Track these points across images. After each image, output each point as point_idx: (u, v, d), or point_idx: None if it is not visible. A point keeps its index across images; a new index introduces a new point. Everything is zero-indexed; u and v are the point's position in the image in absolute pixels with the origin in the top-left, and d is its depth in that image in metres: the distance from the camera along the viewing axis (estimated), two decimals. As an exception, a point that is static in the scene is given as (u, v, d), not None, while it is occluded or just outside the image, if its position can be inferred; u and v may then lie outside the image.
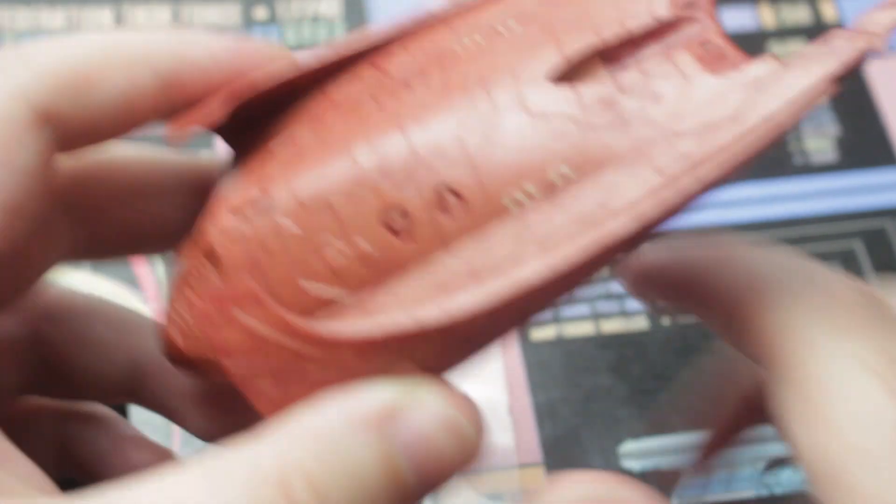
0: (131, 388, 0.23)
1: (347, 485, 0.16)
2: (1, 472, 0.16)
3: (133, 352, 0.23)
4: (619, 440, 0.35)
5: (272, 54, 0.21)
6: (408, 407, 0.17)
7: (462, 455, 0.18)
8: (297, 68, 0.19)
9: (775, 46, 0.46)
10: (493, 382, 0.36)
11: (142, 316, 0.24)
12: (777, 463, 0.35)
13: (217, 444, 0.18)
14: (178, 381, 0.23)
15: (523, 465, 0.34)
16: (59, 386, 0.24)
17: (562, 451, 0.35)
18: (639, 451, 0.35)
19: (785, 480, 0.35)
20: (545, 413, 0.36)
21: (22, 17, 0.45)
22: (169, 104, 0.20)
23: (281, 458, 0.16)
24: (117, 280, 0.38)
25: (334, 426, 0.16)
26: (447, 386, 0.18)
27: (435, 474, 0.17)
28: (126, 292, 0.38)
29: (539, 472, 0.34)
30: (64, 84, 0.18)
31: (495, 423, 0.35)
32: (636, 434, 0.35)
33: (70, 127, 0.19)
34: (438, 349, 0.17)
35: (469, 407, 0.19)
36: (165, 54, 0.20)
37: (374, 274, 0.17)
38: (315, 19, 0.46)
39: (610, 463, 0.34)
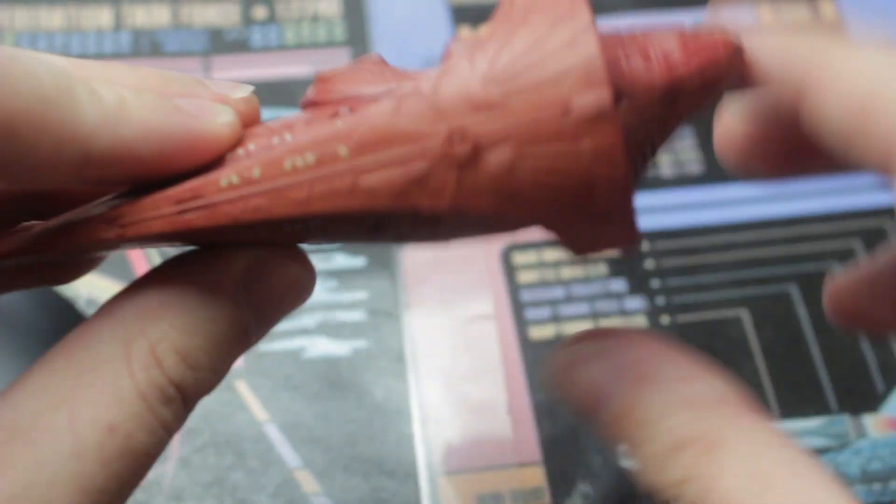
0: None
1: (208, 345, 0.19)
2: None
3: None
4: (618, 439, 0.35)
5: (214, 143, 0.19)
6: (255, 265, 0.20)
7: (296, 295, 0.21)
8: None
9: (774, 46, 0.46)
10: (492, 382, 0.36)
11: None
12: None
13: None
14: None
15: (522, 464, 0.34)
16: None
17: (561, 450, 0.35)
18: (638, 449, 0.35)
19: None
20: (544, 412, 0.36)
21: (21, 17, 0.45)
22: (79, 179, 0.19)
23: (145, 336, 0.18)
24: (117, 280, 0.38)
25: (188, 296, 0.19)
26: (292, 250, 0.21)
27: (273, 316, 0.21)
28: (125, 291, 0.38)
29: (538, 471, 0.34)
30: None
31: (494, 422, 0.35)
32: (635, 433, 0.35)
33: None
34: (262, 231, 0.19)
35: (307, 260, 0.21)
36: (105, 142, 0.18)
37: None
38: (315, 19, 0.46)
39: (609, 461, 0.34)
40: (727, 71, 0.20)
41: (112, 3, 0.46)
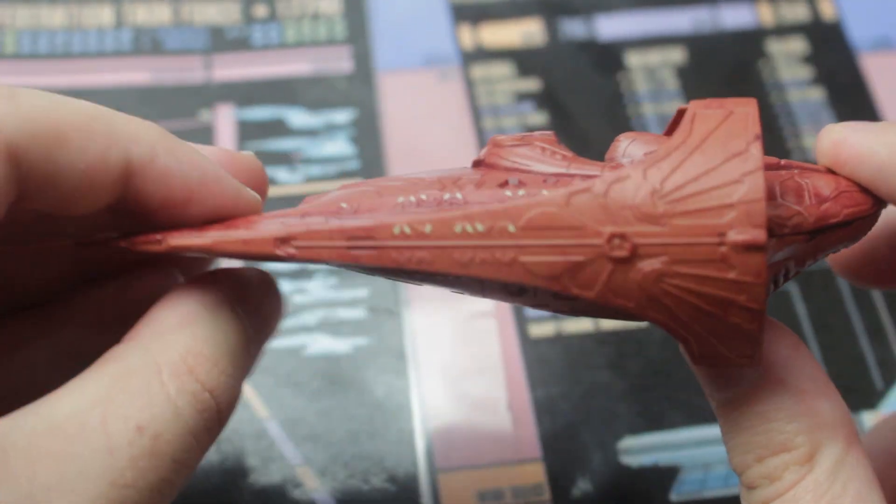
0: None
1: (228, 353, 0.21)
2: None
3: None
4: (617, 436, 0.35)
5: (241, 199, 0.22)
6: (240, 285, 0.22)
7: (278, 310, 0.24)
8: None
9: (774, 44, 0.46)
10: (492, 379, 0.36)
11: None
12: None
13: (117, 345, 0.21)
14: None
15: (522, 461, 0.35)
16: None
17: (561, 447, 0.35)
18: (637, 446, 0.35)
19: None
20: (544, 409, 0.36)
21: (22, 15, 0.45)
22: (123, 202, 0.21)
23: (174, 349, 0.20)
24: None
25: (201, 313, 0.21)
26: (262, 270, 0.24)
27: (265, 330, 0.23)
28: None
29: (538, 468, 0.34)
30: (40, 133, 0.19)
31: (495, 419, 0.35)
32: (635, 430, 0.35)
33: (32, 174, 0.19)
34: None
35: (270, 277, 0.24)
36: (144, 148, 0.21)
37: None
38: (315, 17, 0.46)
39: (609, 458, 0.35)
40: (870, 225, 0.22)
41: (113, 1, 0.46)
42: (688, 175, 0.19)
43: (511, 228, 0.20)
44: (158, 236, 0.21)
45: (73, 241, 0.24)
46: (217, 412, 0.20)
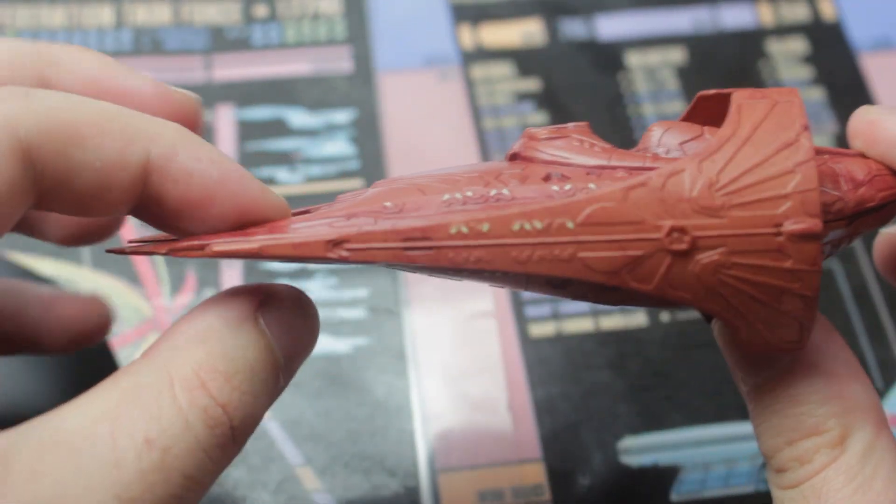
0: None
1: (246, 370, 0.20)
2: None
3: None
4: (617, 436, 0.35)
5: (266, 200, 0.21)
6: (269, 301, 0.21)
7: (311, 332, 0.22)
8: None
9: (774, 44, 0.46)
10: (492, 379, 0.36)
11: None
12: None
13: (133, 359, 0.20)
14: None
15: (522, 461, 0.35)
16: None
17: (561, 447, 0.35)
18: (638, 446, 0.35)
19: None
20: (544, 409, 0.36)
21: (22, 15, 0.45)
22: (142, 206, 0.21)
23: (187, 363, 0.19)
24: (119, 276, 0.38)
25: (220, 328, 0.20)
26: (290, 286, 0.23)
27: (296, 352, 0.22)
28: (127, 288, 0.38)
29: (539, 468, 0.34)
30: (55, 131, 0.19)
31: (495, 419, 0.35)
32: (635, 430, 0.35)
33: (47, 174, 0.19)
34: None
35: (305, 295, 0.23)
36: (163, 147, 0.20)
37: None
38: (316, 17, 0.46)
39: (609, 458, 0.35)
40: None
41: (113, 1, 0.46)
42: (741, 166, 0.20)
43: (570, 225, 0.20)
44: (200, 241, 0.21)
45: (106, 249, 0.23)
46: (230, 429, 0.19)
